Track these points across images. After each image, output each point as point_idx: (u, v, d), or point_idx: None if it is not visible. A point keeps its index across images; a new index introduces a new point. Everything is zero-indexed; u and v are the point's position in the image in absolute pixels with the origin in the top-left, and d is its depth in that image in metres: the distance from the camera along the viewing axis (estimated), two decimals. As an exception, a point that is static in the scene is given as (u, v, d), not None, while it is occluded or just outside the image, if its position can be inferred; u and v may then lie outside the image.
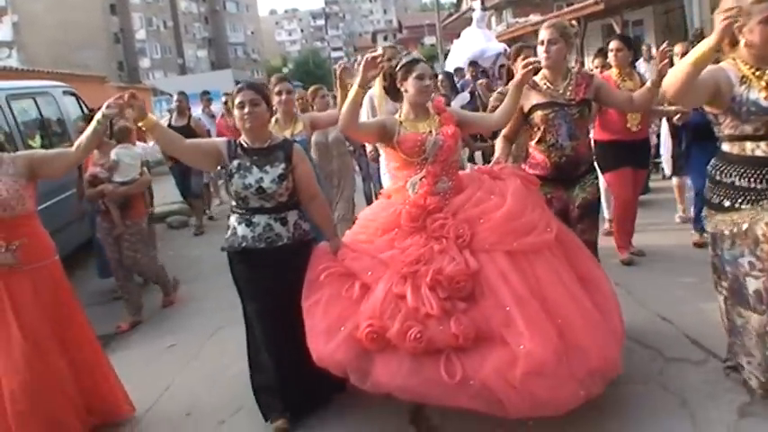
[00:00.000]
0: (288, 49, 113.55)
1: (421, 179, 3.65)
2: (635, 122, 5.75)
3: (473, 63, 13.54)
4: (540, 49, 4.12)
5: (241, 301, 3.80)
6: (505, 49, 14.72)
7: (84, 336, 3.96)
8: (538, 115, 4.15)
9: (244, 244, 3.61)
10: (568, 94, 4.15)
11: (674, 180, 7.11)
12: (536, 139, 4.21)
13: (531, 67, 3.80)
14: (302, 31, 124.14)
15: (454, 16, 60.86)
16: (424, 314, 3.21)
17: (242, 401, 4.02)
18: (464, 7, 62.10)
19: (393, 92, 3.85)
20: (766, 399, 3.38)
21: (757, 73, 3.16)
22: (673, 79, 3.14)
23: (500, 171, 3.85)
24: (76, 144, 3.88)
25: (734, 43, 3.24)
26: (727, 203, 3.31)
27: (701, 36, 6.91)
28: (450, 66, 16.58)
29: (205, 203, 10.84)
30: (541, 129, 4.16)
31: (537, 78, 4.14)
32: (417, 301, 3.24)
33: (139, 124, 3.61)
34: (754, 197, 3.22)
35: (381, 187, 5.40)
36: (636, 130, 5.77)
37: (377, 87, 5.00)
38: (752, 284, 3.27)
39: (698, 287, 4.89)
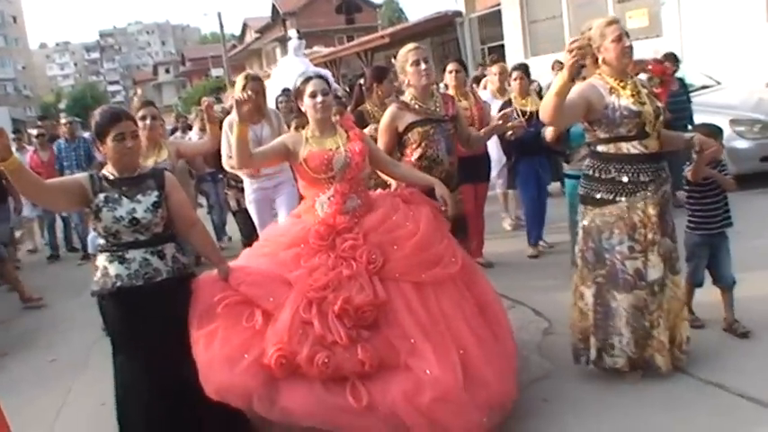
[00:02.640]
0: (61, 84, 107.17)
1: (329, 198, 3.61)
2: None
3: (286, 90, 13.81)
4: (412, 70, 4.17)
5: (114, 354, 3.39)
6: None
7: None
8: (417, 132, 4.21)
9: (118, 284, 3.22)
10: (440, 111, 4.29)
11: (498, 189, 7.83)
12: (416, 156, 4.21)
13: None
14: (75, 64, 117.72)
15: (239, 48, 61.71)
16: (332, 341, 3.19)
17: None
18: (248, 39, 63.20)
19: (300, 113, 3.84)
20: (633, 371, 3.84)
21: (621, 84, 3.69)
22: (546, 109, 3.55)
23: (411, 195, 3.83)
24: None
25: (596, 61, 3.77)
26: (607, 197, 3.73)
27: (495, 60, 8.03)
28: (270, 96, 17.06)
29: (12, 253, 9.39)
30: (422, 145, 4.20)
31: (406, 99, 4.27)
32: (324, 329, 3.20)
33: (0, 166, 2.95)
34: (631, 189, 3.69)
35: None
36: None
37: (234, 114, 5.20)
38: (631, 266, 3.71)
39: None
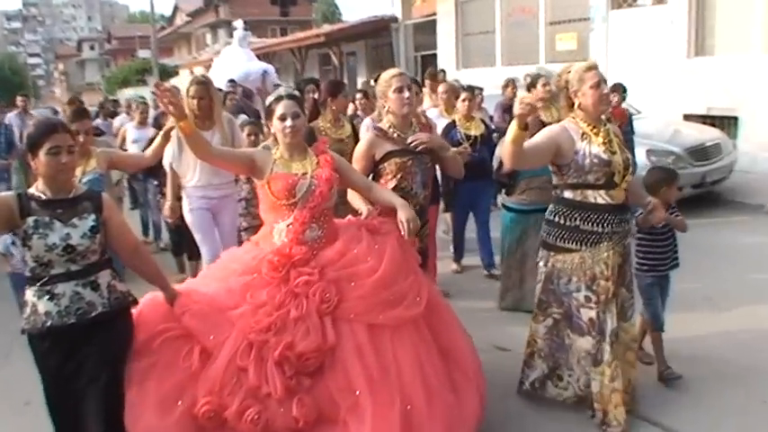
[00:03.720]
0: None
1: (288, 226, 3.36)
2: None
3: (232, 81, 13.20)
4: (395, 96, 3.99)
5: (48, 398, 3.03)
6: (265, 71, 14.92)
7: None
8: (395, 162, 4.03)
9: (48, 323, 2.89)
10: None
11: None
12: (390, 187, 4.00)
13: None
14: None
15: (168, 30, 60.20)
16: (266, 393, 3.02)
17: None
18: (178, 22, 61.75)
19: (257, 119, 3.81)
20: (577, 405, 3.90)
21: (594, 130, 3.64)
22: (506, 156, 3.58)
23: (380, 225, 3.60)
24: None
25: (571, 105, 3.75)
26: (569, 245, 3.69)
27: (433, 74, 7.96)
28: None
29: None
30: (397, 176, 4.02)
31: (385, 126, 4.09)
32: (260, 379, 3.03)
33: None
34: (595, 239, 3.64)
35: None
36: None
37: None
38: (585, 314, 3.70)
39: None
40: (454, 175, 4.48)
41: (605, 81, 3.68)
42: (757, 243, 7.36)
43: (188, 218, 5.42)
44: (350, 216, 3.89)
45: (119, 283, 3.10)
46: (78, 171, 4.46)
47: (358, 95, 7.61)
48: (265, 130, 5.00)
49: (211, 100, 5.20)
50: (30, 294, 2.96)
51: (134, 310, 3.17)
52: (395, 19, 20.96)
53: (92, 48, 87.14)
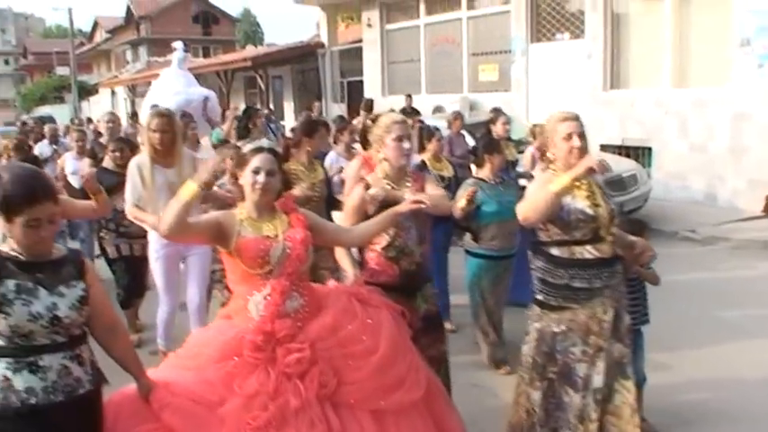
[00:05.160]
0: None
1: (265, 297, 2.96)
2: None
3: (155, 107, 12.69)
4: (393, 145, 3.66)
5: None
6: (207, 97, 14.68)
7: None
8: None
9: (32, 400, 2.43)
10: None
11: None
12: (383, 244, 3.62)
13: (418, 206, 3.35)
14: None
15: (88, 46, 58.63)
16: None
17: None
18: (97, 38, 60.19)
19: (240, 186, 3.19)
20: None
21: (577, 184, 3.35)
22: (539, 209, 3.28)
23: (369, 295, 3.29)
24: None
25: (546, 157, 3.58)
26: (562, 303, 3.47)
27: (370, 106, 7.60)
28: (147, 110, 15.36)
29: None
30: (391, 233, 3.61)
31: (378, 176, 3.74)
32: None
33: None
34: (587, 296, 3.43)
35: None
36: None
37: (145, 154, 4.74)
38: (581, 369, 3.47)
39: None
40: (441, 213, 4.02)
41: (580, 134, 3.44)
42: (680, 270, 7.39)
43: (154, 265, 4.96)
44: (332, 281, 3.64)
45: (95, 360, 2.72)
46: None
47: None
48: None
49: (175, 134, 4.81)
50: (1, 368, 2.45)
51: (104, 402, 2.75)
52: (321, 45, 21.07)
53: (6, 62, 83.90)
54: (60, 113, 35.55)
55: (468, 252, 5.39)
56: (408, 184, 3.75)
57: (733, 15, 10.62)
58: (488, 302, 5.27)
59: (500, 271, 5.27)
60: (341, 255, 3.67)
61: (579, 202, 3.40)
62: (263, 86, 23.30)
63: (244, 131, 6.82)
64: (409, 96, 15.08)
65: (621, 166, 10.00)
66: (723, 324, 6.03)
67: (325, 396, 2.82)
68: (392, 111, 6.66)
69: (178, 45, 16.48)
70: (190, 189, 2.91)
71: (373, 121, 3.86)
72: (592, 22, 12.63)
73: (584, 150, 3.40)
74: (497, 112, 6.88)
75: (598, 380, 3.47)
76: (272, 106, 22.32)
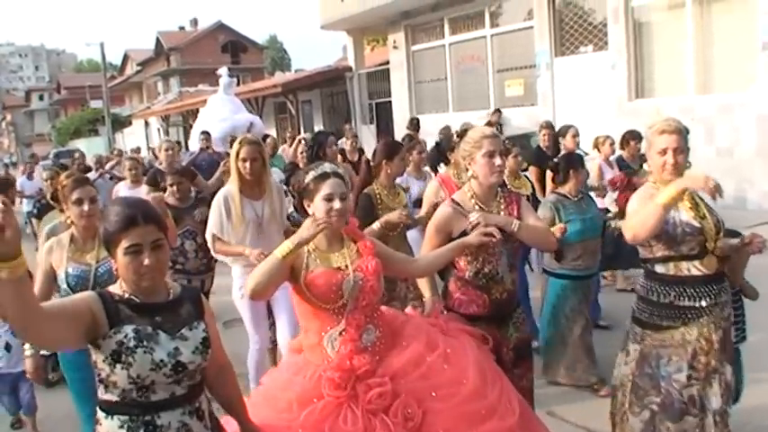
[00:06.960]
0: None
1: (341, 333, 2.80)
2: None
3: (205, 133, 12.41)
4: (484, 161, 3.36)
5: None
6: (252, 122, 14.71)
7: None
8: None
9: None
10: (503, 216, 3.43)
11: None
12: (472, 272, 3.40)
13: (489, 239, 3.17)
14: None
15: (119, 79, 59.96)
16: None
17: None
18: (128, 71, 61.46)
19: (303, 211, 3.00)
20: None
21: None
22: (645, 224, 3.11)
23: (447, 325, 3.15)
24: None
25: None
26: (667, 323, 3.30)
27: (416, 124, 7.44)
28: (196, 137, 14.30)
29: None
30: (479, 259, 3.37)
31: (466, 197, 3.45)
32: None
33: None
34: (693, 315, 3.25)
35: None
36: None
37: (233, 184, 4.48)
38: (687, 393, 3.26)
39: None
40: (543, 249, 3.74)
41: (676, 149, 3.21)
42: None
43: (241, 304, 4.61)
44: (408, 308, 3.49)
45: (213, 409, 2.48)
46: (89, 257, 3.64)
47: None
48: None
49: (264, 163, 4.51)
50: (111, 426, 2.22)
51: None
52: (349, 68, 21.52)
53: (41, 98, 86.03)
54: (95, 146, 36.32)
55: (548, 273, 5.15)
56: (502, 207, 3.47)
57: (754, 19, 10.76)
58: (574, 327, 5.02)
59: (586, 290, 5.13)
60: (420, 283, 3.56)
61: (684, 214, 3.23)
62: (293, 111, 23.73)
63: (315, 159, 6.37)
64: (498, 111, 14.55)
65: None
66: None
67: (414, 429, 2.67)
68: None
69: (223, 71, 16.50)
70: (286, 249, 2.74)
71: (460, 135, 3.57)
72: (615, 34, 12.83)
73: (679, 166, 3.22)
74: (566, 126, 6.79)
75: (716, 401, 3.25)
76: (302, 130, 22.81)
